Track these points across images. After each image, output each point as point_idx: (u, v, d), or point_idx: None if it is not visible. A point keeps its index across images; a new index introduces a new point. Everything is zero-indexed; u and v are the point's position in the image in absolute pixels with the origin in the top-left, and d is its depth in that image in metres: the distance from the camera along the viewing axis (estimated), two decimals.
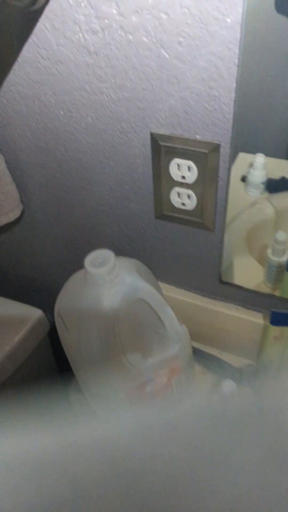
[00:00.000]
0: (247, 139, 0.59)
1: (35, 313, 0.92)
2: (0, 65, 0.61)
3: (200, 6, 0.45)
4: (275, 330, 0.68)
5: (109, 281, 0.59)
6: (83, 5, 0.50)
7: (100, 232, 0.78)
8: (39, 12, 0.53)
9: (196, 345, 0.79)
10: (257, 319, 0.72)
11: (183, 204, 0.64)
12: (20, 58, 0.59)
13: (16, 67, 0.60)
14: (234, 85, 0.49)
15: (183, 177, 0.60)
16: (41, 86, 0.61)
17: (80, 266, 0.60)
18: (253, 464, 0.20)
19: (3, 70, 0.61)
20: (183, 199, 0.63)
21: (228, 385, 0.65)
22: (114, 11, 0.49)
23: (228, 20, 0.45)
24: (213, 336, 0.78)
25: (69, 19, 0.52)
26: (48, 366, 1.02)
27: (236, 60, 0.48)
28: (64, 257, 0.88)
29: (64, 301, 0.65)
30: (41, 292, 1.00)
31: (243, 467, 0.20)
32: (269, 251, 0.67)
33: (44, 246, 0.89)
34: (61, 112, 0.63)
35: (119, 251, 0.78)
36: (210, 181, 0.59)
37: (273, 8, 0.46)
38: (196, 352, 0.77)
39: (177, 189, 0.62)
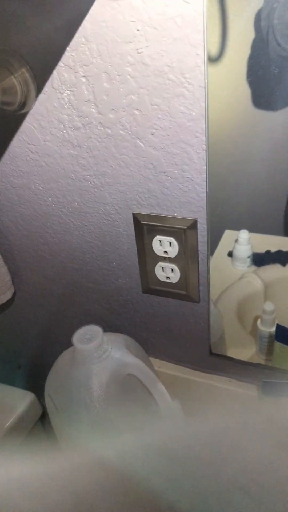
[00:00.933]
0: (231, 217, 0.62)
1: (26, 397, 0.89)
2: None
3: (168, 103, 0.51)
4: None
5: (97, 357, 0.59)
6: (66, 106, 0.57)
7: (90, 309, 0.79)
8: (27, 114, 0.60)
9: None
10: (251, 391, 0.71)
11: (168, 277, 0.66)
12: (11, 153, 0.65)
13: (7, 161, 0.66)
14: (204, 167, 0.54)
15: (166, 252, 0.63)
16: (31, 177, 0.66)
17: (71, 344, 0.60)
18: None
19: None
20: (167, 273, 0.66)
21: None
22: (93, 110, 0.56)
23: (193, 113, 0.51)
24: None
25: (54, 119, 0.59)
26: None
27: (204, 146, 0.53)
28: (55, 335, 0.89)
29: (53, 380, 0.64)
30: (33, 373, 0.99)
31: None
32: (259, 322, 0.68)
33: (34, 326, 0.90)
34: (49, 199, 0.68)
35: (109, 327, 0.79)
36: (191, 255, 0.62)
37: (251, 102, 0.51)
38: None
39: (161, 263, 0.65)
